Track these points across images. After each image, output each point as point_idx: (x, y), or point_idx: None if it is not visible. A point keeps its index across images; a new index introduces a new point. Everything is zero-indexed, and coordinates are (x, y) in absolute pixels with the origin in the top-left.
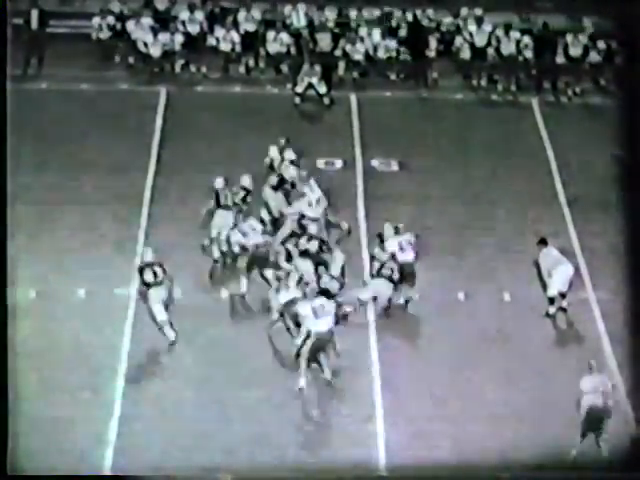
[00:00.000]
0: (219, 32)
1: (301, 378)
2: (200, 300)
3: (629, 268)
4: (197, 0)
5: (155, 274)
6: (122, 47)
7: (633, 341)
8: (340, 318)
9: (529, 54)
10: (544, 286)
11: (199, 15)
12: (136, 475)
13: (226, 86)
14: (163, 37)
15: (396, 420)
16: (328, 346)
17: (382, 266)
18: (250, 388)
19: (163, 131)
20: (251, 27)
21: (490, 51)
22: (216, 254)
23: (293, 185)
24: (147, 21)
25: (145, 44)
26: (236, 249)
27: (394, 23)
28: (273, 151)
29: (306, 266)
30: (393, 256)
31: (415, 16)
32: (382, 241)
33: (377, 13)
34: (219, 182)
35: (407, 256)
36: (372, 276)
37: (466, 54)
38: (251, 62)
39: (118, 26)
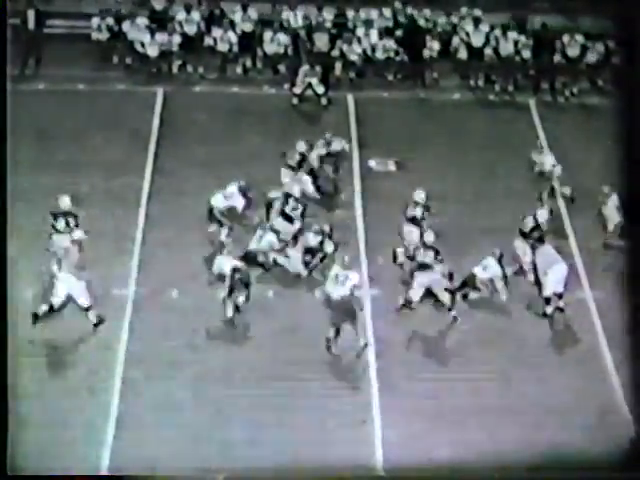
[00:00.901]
0: (216, 32)
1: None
2: (197, 299)
3: (626, 268)
4: (194, 0)
5: (67, 223)
6: (120, 47)
7: (630, 341)
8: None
9: (527, 54)
10: (540, 286)
11: (196, 15)
12: (134, 475)
13: (223, 86)
14: (160, 37)
15: (394, 420)
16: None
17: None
18: (248, 388)
19: (160, 131)
20: (248, 27)
21: (488, 51)
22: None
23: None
24: (143, 21)
25: (142, 44)
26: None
27: (390, 15)
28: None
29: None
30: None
31: (412, 16)
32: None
33: (374, 14)
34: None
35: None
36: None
37: (463, 54)
38: (248, 62)
39: (116, 27)
